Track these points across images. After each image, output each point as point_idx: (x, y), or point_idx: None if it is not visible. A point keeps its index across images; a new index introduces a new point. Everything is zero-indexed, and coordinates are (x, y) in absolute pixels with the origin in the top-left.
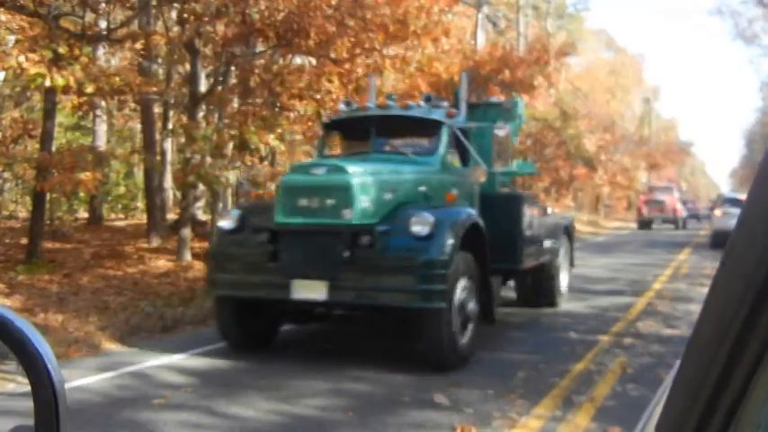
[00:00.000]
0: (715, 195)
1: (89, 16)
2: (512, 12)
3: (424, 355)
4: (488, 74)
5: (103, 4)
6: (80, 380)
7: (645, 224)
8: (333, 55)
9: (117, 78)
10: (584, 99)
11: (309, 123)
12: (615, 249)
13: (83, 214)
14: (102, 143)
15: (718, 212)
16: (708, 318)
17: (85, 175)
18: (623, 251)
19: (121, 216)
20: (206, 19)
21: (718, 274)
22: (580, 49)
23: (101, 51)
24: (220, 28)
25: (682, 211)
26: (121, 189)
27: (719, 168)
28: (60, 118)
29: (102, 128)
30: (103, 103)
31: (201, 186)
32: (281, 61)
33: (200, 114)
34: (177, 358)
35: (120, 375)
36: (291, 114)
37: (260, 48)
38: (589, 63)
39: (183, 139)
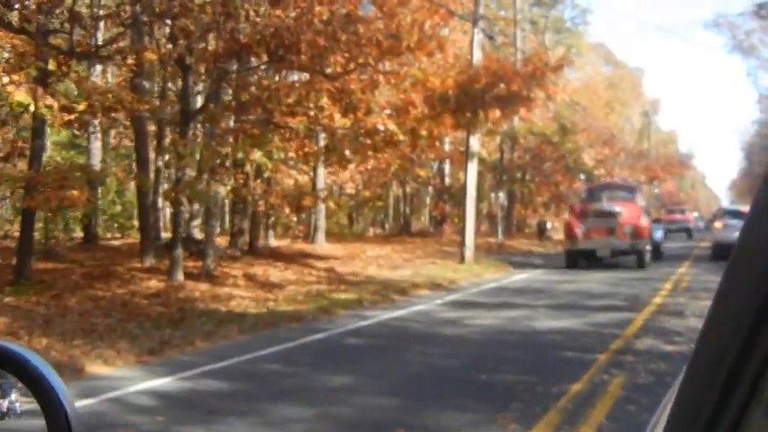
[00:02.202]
0: (715, 207)
1: (80, 33)
2: (510, 27)
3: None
4: (484, 87)
5: (93, 20)
6: None
7: (579, 257)
8: (328, 70)
9: (109, 95)
10: (583, 113)
11: (305, 140)
12: (613, 263)
13: (79, 234)
14: (96, 161)
15: (718, 225)
16: (714, 323)
17: (72, 193)
18: (622, 265)
19: (117, 235)
20: (196, 35)
21: (723, 280)
22: (579, 63)
23: (97, 69)
24: (212, 44)
25: (649, 230)
26: (118, 208)
27: (720, 180)
28: (54, 136)
29: (96, 146)
30: (97, 121)
31: (197, 205)
32: (276, 78)
33: (191, 132)
34: (161, 383)
35: (100, 402)
36: (285, 132)
37: (255, 63)
38: (588, 77)
39: (170, 156)
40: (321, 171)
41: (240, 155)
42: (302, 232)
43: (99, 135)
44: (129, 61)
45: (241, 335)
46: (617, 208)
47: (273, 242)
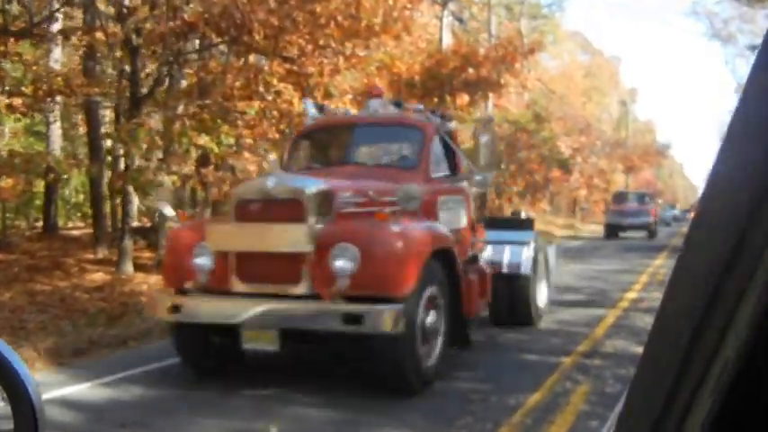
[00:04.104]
0: (693, 198)
1: (19, 10)
2: (484, 12)
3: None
4: (452, 72)
5: None
6: None
7: (195, 347)
8: (293, 53)
9: (59, 79)
10: (560, 101)
11: (271, 127)
12: (589, 254)
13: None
14: (57, 148)
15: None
16: (666, 314)
17: (6, 182)
18: (597, 256)
19: (80, 224)
20: (143, 14)
21: (675, 271)
22: (556, 51)
23: (56, 53)
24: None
25: (415, 273)
26: (80, 196)
27: (698, 170)
28: (12, 123)
29: (55, 132)
30: (52, 105)
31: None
32: (242, 61)
33: (139, 118)
34: (76, 390)
35: None
36: (250, 119)
37: (209, 45)
38: (565, 65)
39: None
40: None
41: (185, 140)
42: None
43: (57, 120)
44: (75, 42)
45: None
46: (313, 186)
47: None
